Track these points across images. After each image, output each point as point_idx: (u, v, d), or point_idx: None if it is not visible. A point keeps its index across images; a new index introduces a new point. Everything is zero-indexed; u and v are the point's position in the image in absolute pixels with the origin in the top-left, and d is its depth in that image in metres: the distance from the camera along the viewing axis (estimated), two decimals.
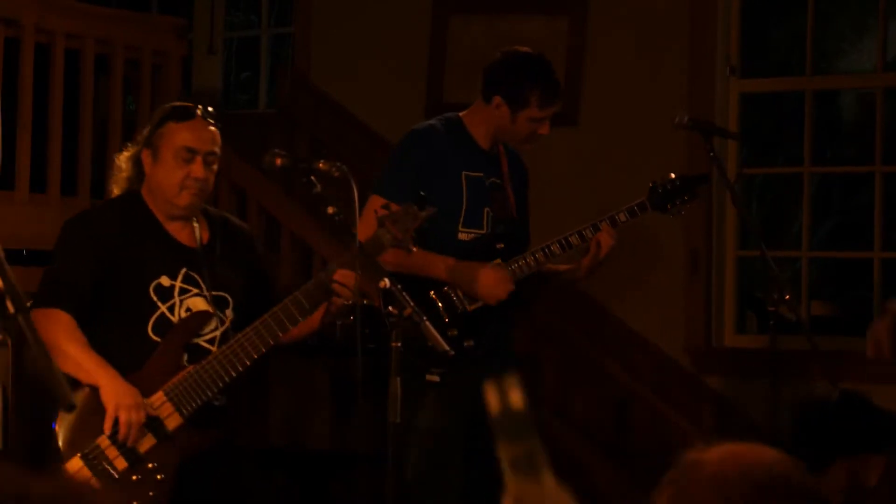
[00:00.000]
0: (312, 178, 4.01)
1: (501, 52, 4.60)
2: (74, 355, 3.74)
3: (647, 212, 4.56)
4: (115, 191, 4.05)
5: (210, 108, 4.01)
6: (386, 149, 6.94)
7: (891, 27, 6.34)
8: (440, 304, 4.39)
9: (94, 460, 3.75)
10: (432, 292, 4.39)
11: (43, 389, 2.76)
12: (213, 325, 3.93)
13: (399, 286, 3.82)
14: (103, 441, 3.76)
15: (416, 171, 4.42)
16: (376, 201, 4.33)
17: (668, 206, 4.60)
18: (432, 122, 4.58)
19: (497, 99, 4.48)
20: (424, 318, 3.82)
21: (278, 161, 4.07)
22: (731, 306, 6.37)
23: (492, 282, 4.39)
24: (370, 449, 4.53)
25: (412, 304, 3.80)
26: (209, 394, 3.84)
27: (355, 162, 5.50)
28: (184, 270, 3.92)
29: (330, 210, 3.96)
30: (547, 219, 4.96)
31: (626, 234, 6.00)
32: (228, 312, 3.98)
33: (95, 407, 3.75)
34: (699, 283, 6.30)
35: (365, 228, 4.33)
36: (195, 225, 4.00)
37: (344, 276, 3.89)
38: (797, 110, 6.44)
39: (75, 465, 3.74)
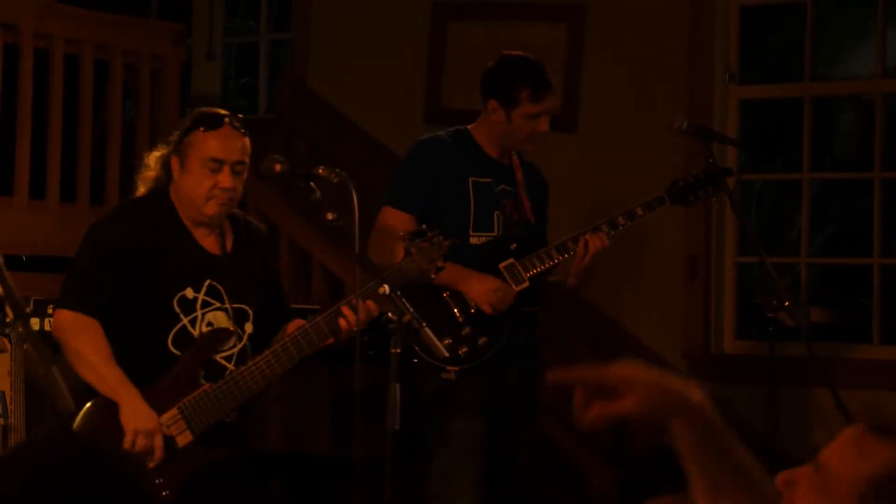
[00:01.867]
0: (311, 183, 4.01)
1: (493, 60, 4.67)
2: (99, 367, 3.73)
3: (664, 205, 4.60)
4: (142, 188, 4.01)
5: (240, 116, 3.98)
6: (385, 155, 6.95)
7: (889, 34, 6.34)
8: (454, 305, 4.43)
9: None
10: (446, 293, 4.43)
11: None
12: (231, 342, 3.91)
13: (398, 293, 3.82)
14: None
15: (425, 181, 4.49)
16: (389, 213, 4.46)
17: (691, 198, 4.64)
18: (440, 133, 4.64)
19: (492, 103, 4.54)
20: (424, 323, 3.82)
21: (277, 167, 4.08)
22: (729, 312, 6.37)
23: (483, 290, 4.42)
24: (368, 455, 4.53)
25: (411, 310, 3.81)
26: (222, 414, 3.83)
27: (354, 168, 5.50)
28: (208, 282, 3.89)
29: (329, 216, 3.97)
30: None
31: (626, 240, 6.00)
32: (248, 326, 3.95)
33: (111, 422, 3.73)
34: (698, 288, 6.30)
35: (378, 241, 4.38)
36: (221, 231, 3.98)
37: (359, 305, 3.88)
38: (796, 116, 6.44)
39: None
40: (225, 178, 3.88)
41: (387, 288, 3.79)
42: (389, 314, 3.79)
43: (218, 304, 3.90)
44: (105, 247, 3.88)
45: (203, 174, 3.87)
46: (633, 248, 6.23)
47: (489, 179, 4.56)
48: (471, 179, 4.52)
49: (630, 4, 6.55)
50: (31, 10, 6.09)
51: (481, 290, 4.44)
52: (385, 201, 4.51)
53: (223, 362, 3.89)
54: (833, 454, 1.73)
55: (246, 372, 3.84)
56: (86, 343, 3.75)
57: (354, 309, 3.86)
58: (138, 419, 3.70)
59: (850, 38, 7.05)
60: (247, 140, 3.97)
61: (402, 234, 4.04)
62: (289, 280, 6.22)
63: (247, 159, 3.95)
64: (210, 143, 3.89)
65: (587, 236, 4.49)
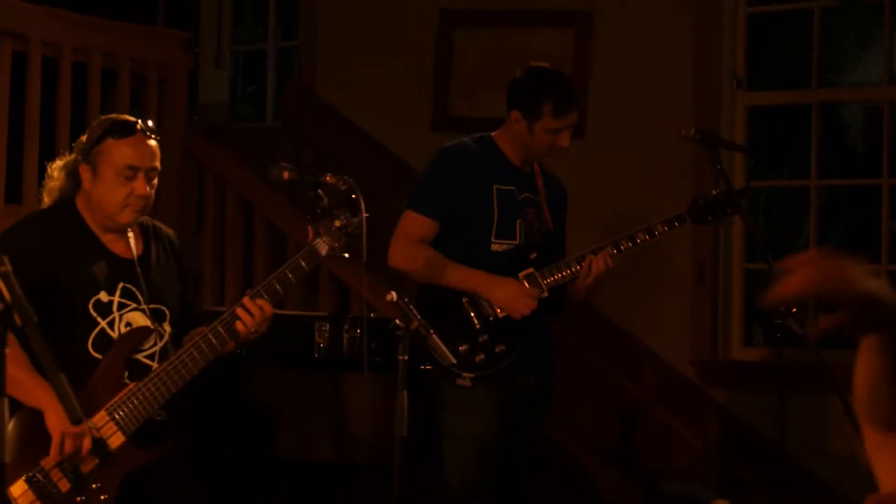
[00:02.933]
0: (319, 190, 4.01)
1: (523, 68, 4.66)
2: (17, 376, 3.62)
3: (685, 223, 4.61)
4: (47, 199, 3.97)
5: (149, 123, 3.94)
6: (392, 162, 6.96)
7: None
8: (472, 312, 4.43)
9: (38, 483, 3.71)
10: (465, 299, 4.44)
11: None
12: (152, 340, 3.90)
13: (406, 299, 3.82)
14: (47, 462, 3.73)
15: (450, 186, 4.48)
16: (412, 217, 4.46)
17: (710, 218, 4.65)
18: (464, 139, 4.63)
19: (515, 114, 4.54)
20: (432, 330, 3.82)
21: (285, 174, 4.07)
22: (737, 319, 6.36)
23: (509, 295, 4.43)
24: (374, 460, 4.53)
25: (419, 316, 3.80)
26: (151, 411, 3.82)
27: (362, 174, 5.51)
28: (121, 284, 3.87)
29: (337, 223, 3.97)
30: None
31: (633, 247, 6.00)
32: (166, 325, 3.94)
33: (38, 429, 3.71)
34: (706, 295, 6.30)
35: (393, 243, 4.38)
36: (129, 235, 3.95)
37: (251, 306, 3.88)
38: (803, 123, 6.44)
39: (20, 488, 3.69)
40: (140, 186, 3.85)
41: (394, 294, 3.79)
42: (397, 321, 3.79)
43: (134, 305, 3.89)
44: (13, 259, 3.88)
45: (118, 182, 3.84)
46: (641, 255, 6.22)
47: (512, 187, 4.56)
48: (495, 187, 4.52)
49: (637, 11, 6.55)
50: (39, 19, 6.10)
51: (507, 295, 4.44)
52: (408, 205, 4.51)
53: (146, 361, 3.88)
54: None
55: (170, 367, 3.83)
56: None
57: (250, 310, 3.87)
58: (64, 422, 3.68)
59: (857, 45, 7.04)
60: (157, 146, 3.92)
61: (308, 216, 4.04)
62: (296, 288, 6.22)
63: (158, 165, 3.91)
64: (124, 151, 3.84)
65: (590, 258, 4.49)
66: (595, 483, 6.04)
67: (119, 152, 3.84)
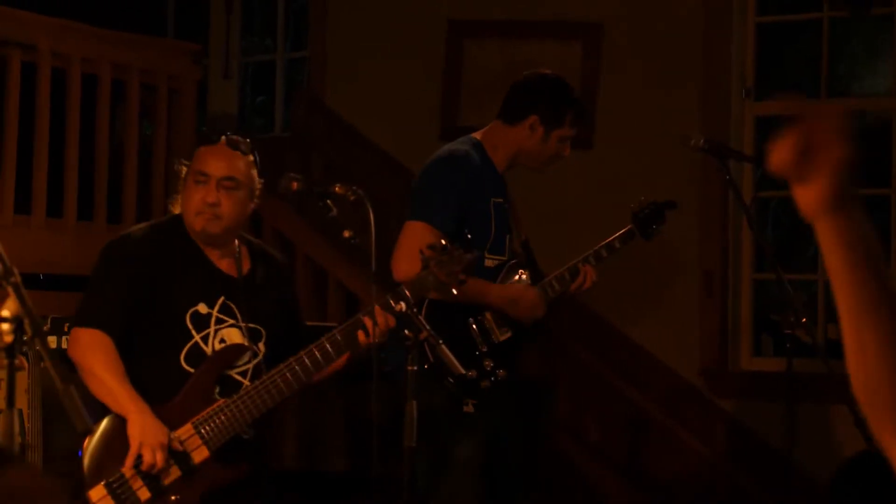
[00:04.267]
0: (328, 201, 4.01)
1: (530, 74, 4.61)
2: (109, 383, 3.72)
3: (634, 239, 4.63)
4: (175, 210, 4.03)
5: (237, 137, 3.96)
6: (401, 172, 6.96)
7: None
8: (478, 335, 4.41)
9: (119, 489, 3.73)
10: (470, 320, 4.41)
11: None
12: (246, 357, 3.90)
13: (415, 310, 3.82)
14: (128, 470, 3.73)
15: (458, 196, 4.39)
16: (418, 227, 4.34)
17: (649, 232, 4.70)
18: (464, 146, 4.52)
19: (533, 118, 4.49)
20: (440, 341, 3.82)
21: (294, 185, 4.08)
22: (746, 329, 6.36)
23: (533, 302, 4.41)
24: (385, 472, 4.53)
25: (427, 327, 3.80)
26: (238, 429, 3.82)
27: (370, 185, 5.50)
28: (221, 299, 3.89)
29: (346, 234, 3.97)
30: (561, 241, 4.97)
31: (642, 256, 6.00)
32: (261, 345, 3.94)
33: (123, 437, 3.72)
34: (715, 305, 6.29)
35: (404, 256, 4.30)
36: (240, 253, 3.98)
37: (378, 314, 3.86)
38: None
39: (99, 492, 3.71)
40: (210, 193, 3.87)
41: (403, 305, 3.79)
42: (406, 331, 3.79)
43: (232, 322, 3.90)
44: (116, 265, 3.90)
45: (193, 189, 3.90)
46: (649, 265, 6.23)
47: (501, 199, 4.52)
48: (492, 200, 4.47)
49: (645, 22, 6.55)
50: (48, 30, 6.12)
51: (529, 303, 4.43)
52: (414, 216, 4.40)
53: (238, 378, 3.88)
54: None
55: (261, 386, 3.83)
56: (98, 360, 3.76)
57: (372, 320, 3.85)
58: (145, 433, 3.69)
59: (866, 55, 7.04)
60: (243, 159, 3.93)
61: (421, 247, 4.01)
62: (305, 297, 6.23)
63: (238, 176, 3.91)
64: (200, 158, 3.93)
65: (588, 266, 4.51)
66: (602, 493, 6.03)
67: (198, 158, 3.93)
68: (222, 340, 3.87)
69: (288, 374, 3.84)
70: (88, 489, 3.71)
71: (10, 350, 2.44)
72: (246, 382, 3.87)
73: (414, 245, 4.28)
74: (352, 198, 3.99)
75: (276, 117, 8.00)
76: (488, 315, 4.43)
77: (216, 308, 3.88)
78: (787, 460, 4.97)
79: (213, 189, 3.88)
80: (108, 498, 3.72)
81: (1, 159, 6.00)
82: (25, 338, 2.44)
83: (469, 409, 4.35)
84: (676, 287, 6.37)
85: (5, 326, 2.41)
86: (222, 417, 3.80)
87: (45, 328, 2.45)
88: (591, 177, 6.53)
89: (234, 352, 3.88)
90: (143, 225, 4.08)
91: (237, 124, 8.06)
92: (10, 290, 2.40)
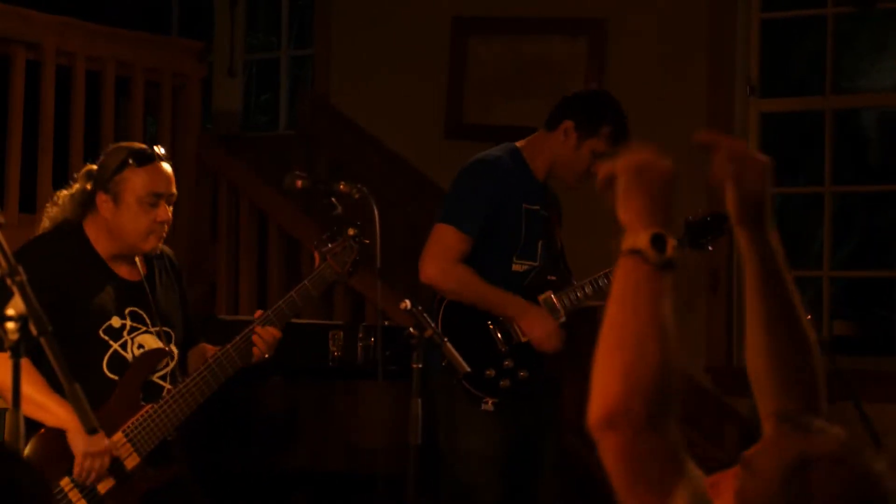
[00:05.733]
0: (333, 199, 4.01)
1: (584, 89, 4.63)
2: (38, 399, 3.67)
3: (685, 248, 4.58)
4: (46, 222, 3.97)
5: (161, 149, 3.96)
6: (406, 170, 6.95)
7: None
8: (499, 335, 4.40)
9: (59, 503, 3.75)
10: (490, 322, 4.40)
11: None
12: (164, 361, 3.93)
13: (419, 307, 3.82)
14: (66, 484, 3.75)
15: (487, 201, 4.39)
16: (447, 231, 4.35)
17: (701, 241, 4.63)
18: (497, 152, 4.52)
19: (567, 124, 4.46)
20: (445, 338, 3.82)
21: (299, 183, 4.08)
22: None
23: (548, 332, 4.42)
24: (389, 469, 4.53)
25: (432, 324, 3.80)
26: (166, 432, 3.86)
27: (375, 183, 5.50)
28: (129, 309, 3.90)
29: (350, 232, 3.97)
30: (568, 243, 4.96)
31: None
32: (173, 346, 3.97)
33: (56, 450, 3.73)
34: (720, 303, 6.29)
35: (431, 257, 4.32)
36: (135, 259, 3.98)
37: (264, 332, 3.94)
38: (817, 130, 6.43)
39: None
40: (163, 212, 3.88)
41: (408, 303, 3.79)
42: (411, 329, 3.79)
43: (144, 328, 3.91)
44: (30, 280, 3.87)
45: (141, 210, 3.85)
46: None
47: (537, 206, 4.50)
48: (524, 206, 4.46)
49: (650, 18, 6.54)
50: (53, 28, 6.12)
51: (544, 331, 4.42)
52: (443, 219, 4.39)
53: (159, 382, 3.90)
54: (755, 451, 1.93)
55: (184, 389, 3.88)
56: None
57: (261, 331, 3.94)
58: (87, 442, 3.70)
59: (871, 51, 7.03)
60: (172, 171, 3.96)
61: (314, 241, 4.06)
62: (308, 308, 6.22)
63: (175, 190, 3.94)
64: (147, 178, 3.87)
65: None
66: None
67: (141, 180, 3.86)
68: (140, 346, 3.89)
69: (207, 375, 3.90)
70: None
71: (16, 349, 2.44)
72: (167, 386, 3.90)
73: (441, 247, 4.34)
74: (356, 195, 3.99)
75: (281, 115, 8.00)
76: None
77: (127, 318, 3.90)
78: None
79: (165, 207, 3.89)
80: None
81: (6, 158, 6.00)
82: (31, 337, 2.43)
83: (489, 407, 4.35)
84: (682, 285, 6.35)
85: (10, 325, 2.41)
86: (150, 423, 3.83)
87: (49, 328, 2.45)
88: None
89: (154, 356, 3.90)
90: (38, 241, 3.97)
91: (241, 122, 8.06)
92: (14, 288, 2.40)
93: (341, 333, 5.16)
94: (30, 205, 5.96)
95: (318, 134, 7.29)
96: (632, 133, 4.53)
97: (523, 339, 4.42)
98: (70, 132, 6.17)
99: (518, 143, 4.56)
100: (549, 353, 4.45)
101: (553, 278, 4.52)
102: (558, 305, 4.49)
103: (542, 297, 4.48)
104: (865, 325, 6.80)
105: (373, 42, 7.17)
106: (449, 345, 3.83)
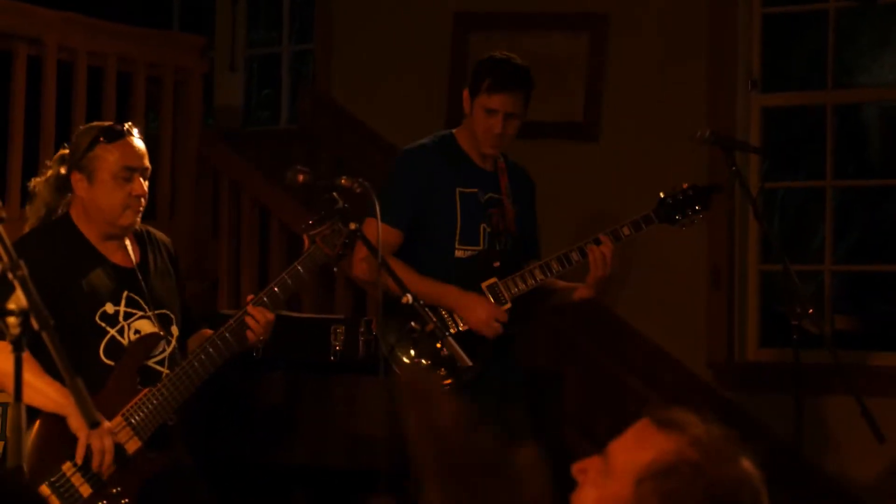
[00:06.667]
0: (334, 194, 4.02)
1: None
2: (36, 384, 3.69)
3: (652, 224, 4.52)
4: (32, 218, 3.99)
5: (130, 125, 3.98)
6: None
7: None
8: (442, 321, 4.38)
9: (61, 488, 3.76)
10: (413, 322, 4.36)
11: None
12: (161, 345, 3.95)
13: (421, 301, 3.82)
14: (68, 468, 3.77)
15: (411, 192, 4.42)
16: (372, 225, 4.23)
17: (676, 217, 4.55)
18: (424, 141, 4.56)
19: (465, 92, 4.51)
20: (447, 333, 3.82)
21: (300, 177, 4.08)
22: (753, 321, 6.35)
23: (482, 319, 4.37)
24: (390, 464, 4.53)
25: (434, 319, 3.81)
26: (165, 416, 3.87)
27: (376, 178, 5.50)
28: (125, 294, 3.92)
29: (352, 226, 3.98)
30: (567, 234, 4.96)
31: (648, 249, 6.00)
32: (173, 329, 4.00)
33: (58, 434, 3.75)
34: (721, 297, 6.29)
35: (362, 257, 4.33)
36: (127, 244, 3.99)
37: (256, 313, 3.96)
38: (819, 124, 6.43)
39: (43, 492, 3.73)
40: (138, 186, 3.91)
41: (409, 297, 3.79)
42: (412, 323, 3.80)
43: (140, 314, 3.93)
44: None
45: (115, 185, 3.88)
46: (656, 257, 6.22)
47: (475, 189, 4.49)
48: (458, 190, 4.45)
49: (651, 13, 6.54)
50: (55, 24, 6.12)
51: (479, 318, 4.37)
52: (370, 213, 4.30)
53: (157, 367, 3.93)
54: (618, 444, 1.89)
55: (181, 372, 3.90)
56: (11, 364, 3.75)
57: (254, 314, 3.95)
58: None
59: (872, 45, 7.03)
60: (145, 147, 3.98)
61: (301, 225, 4.06)
62: (312, 289, 6.23)
63: (149, 165, 3.97)
64: (119, 154, 3.90)
65: (595, 247, 4.40)
66: None
67: (113, 156, 3.90)
68: (136, 331, 3.91)
69: (203, 357, 3.92)
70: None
71: (17, 343, 2.44)
72: (165, 370, 3.92)
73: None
74: (358, 190, 3.99)
75: (282, 110, 8.00)
76: None
77: (122, 304, 3.91)
78: (794, 451, 4.97)
79: (140, 181, 3.92)
80: (53, 497, 3.76)
81: (7, 153, 6.01)
82: (33, 331, 2.44)
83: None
84: (683, 279, 6.36)
85: (12, 320, 2.42)
86: (149, 407, 3.85)
87: (51, 322, 2.45)
88: (597, 169, 6.52)
89: (150, 341, 3.92)
90: (32, 231, 4.00)
91: (242, 117, 8.06)
92: (16, 283, 2.40)
93: (343, 328, 5.16)
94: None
95: (319, 129, 7.29)
96: (514, 75, 4.45)
97: (462, 328, 4.38)
98: (71, 128, 6.17)
99: (454, 130, 4.58)
100: (489, 340, 4.39)
101: (497, 264, 4.48)
102: (504, 292, 4.45)
103: (485, 285, 4.44)
104: (867, 320, 6.80)
105: (374, 37, 7.17)
106: (451, 339, 3.82)
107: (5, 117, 6.01)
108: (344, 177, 4.07)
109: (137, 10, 7.64)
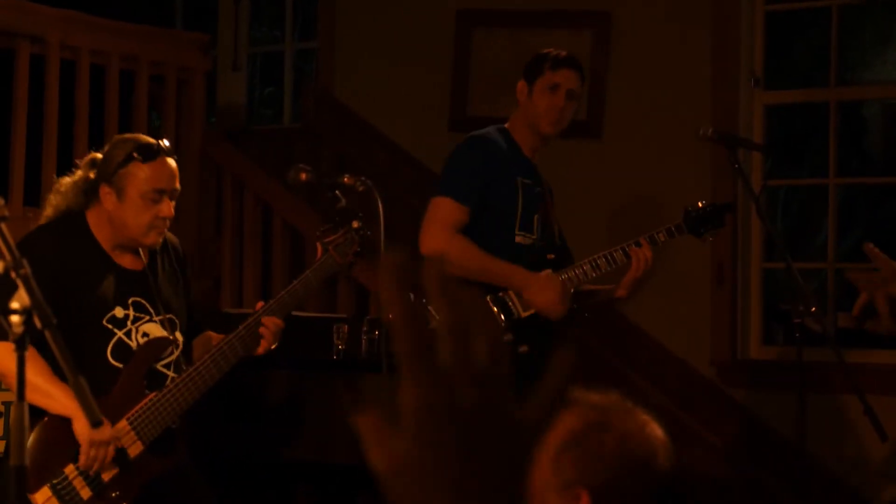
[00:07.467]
0: (337, 192, 4.02)
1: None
2: (43, 386, 3.68)
3: (683, 234, 4.63)
4: (50, 212, 3.97)
5: (167, 143, 3.95)
6: (410, 162, 6.96)
7: None
8: (496, 309, 4.40)
9: (62, 490, 3.76)
10: (489, 297, 4.40)
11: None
12: (168, 349, 3.94)
13: (423, 300, 3.82)
14: (70, 471, 3.76)
15: (481, 173, 4.46)
16: (444, 202, 4.38)
17: (701, 230, 4.67)
18: (488, 129, 4.62)
19: (520, 84, 4.59)
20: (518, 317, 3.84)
21: (303, 176, 4.09)
22: (756, 318, 6.35)
23: (552, 300, 4.41)
24: None
25: (437, 317, 3.81)
26: (169, 421, 3.87)
27: (379, 176, 5.51)
28: (132, 299, 3.91)
29: (355, 224, 3.98)
30: (571, 232, 4.96)
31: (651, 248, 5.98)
32: (178, 335, 3.99)
33: (60, 437, 3.75)
34: (725, 295, 6.29)
35: (430, 231, 4.35)
36: (138, 249, 3.98)
37: (268, 322, 3.97)
38: (822, 121, 6.43)
39: (44, 495, 3.73)
40: (166, 208, 3.88)
41: (412, 295, 3.79)
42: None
43: (147, 318, 3.93)
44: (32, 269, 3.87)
45: (144, 206, 3.86)
46: (660, 255, 6.22)
47: (531, 181, 4.57)
48: (519, 179, 4.53)
49: (654, 11, 6.54)
50: (57, 22, 6.12)
51: (553, 298, 4.42)
52: (440, 192, 4.43)
53: (164, 370, 3.92)
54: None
55: (187, 378, 3.89)
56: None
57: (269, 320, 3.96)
58: (93, 430, 3.71)
59: (875, 43, 7.02)
60: (176, 165, 3.96)
61: (316, 232, 4.06)
62: (315, 288, 6.22)
63: (179, 185, 3.95)
64: (151, 173, 3.87)
65: (637, 248, 4.52)
66: None
67: (146, 176, 3.87)
68: (144, 335, 3.90)
69: (210, 364, 3.92)
70: (33, 492, 3.72)
71: (21, 342, 2.44)
72: (171, 374, 3.92)
73: (439, 219, 4.37)
74: (360, 188, 4.00)
75: (285, 108, 8.00)
76: (511, 291, 4.45)
77: (130, 308, 3.91)
78: (798, 449, 4.96)
79: (168, 204, 3.90)
80: (54, 499, 3.75)
81: (10, 151, 6.01)
82: (36, 329, 2.44)
83: None
84: (687, 277, 6.36)
85: (15, 318, 2.42)
86: (154, 412, 3.85)
87: (53, 320, 2.45)
88: (601, 165, 6.52)
89: (159, 345, 3.92)
90: (45, 226, 3.97)
91: (245, 115, 8.06)
92: (19, 281, 2.40)
93: (346, 327, 5.17)
94: (34, 198, 5.97)
95: (322, 127, 7.29)
96: (572, 56, 4.68)
97: (524, 314, 4.42)
98: (74, 127, 6.18)
99: (506, 125, 4.65)
100: (556, 323, 4.43)
101: (552, 257, 4.54)
102: None
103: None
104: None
105: (377, 35, 7.17)
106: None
107: (8, 116, 6.02)
108: (347, 175, 4.08)
109: (140, 9, 7.64)
